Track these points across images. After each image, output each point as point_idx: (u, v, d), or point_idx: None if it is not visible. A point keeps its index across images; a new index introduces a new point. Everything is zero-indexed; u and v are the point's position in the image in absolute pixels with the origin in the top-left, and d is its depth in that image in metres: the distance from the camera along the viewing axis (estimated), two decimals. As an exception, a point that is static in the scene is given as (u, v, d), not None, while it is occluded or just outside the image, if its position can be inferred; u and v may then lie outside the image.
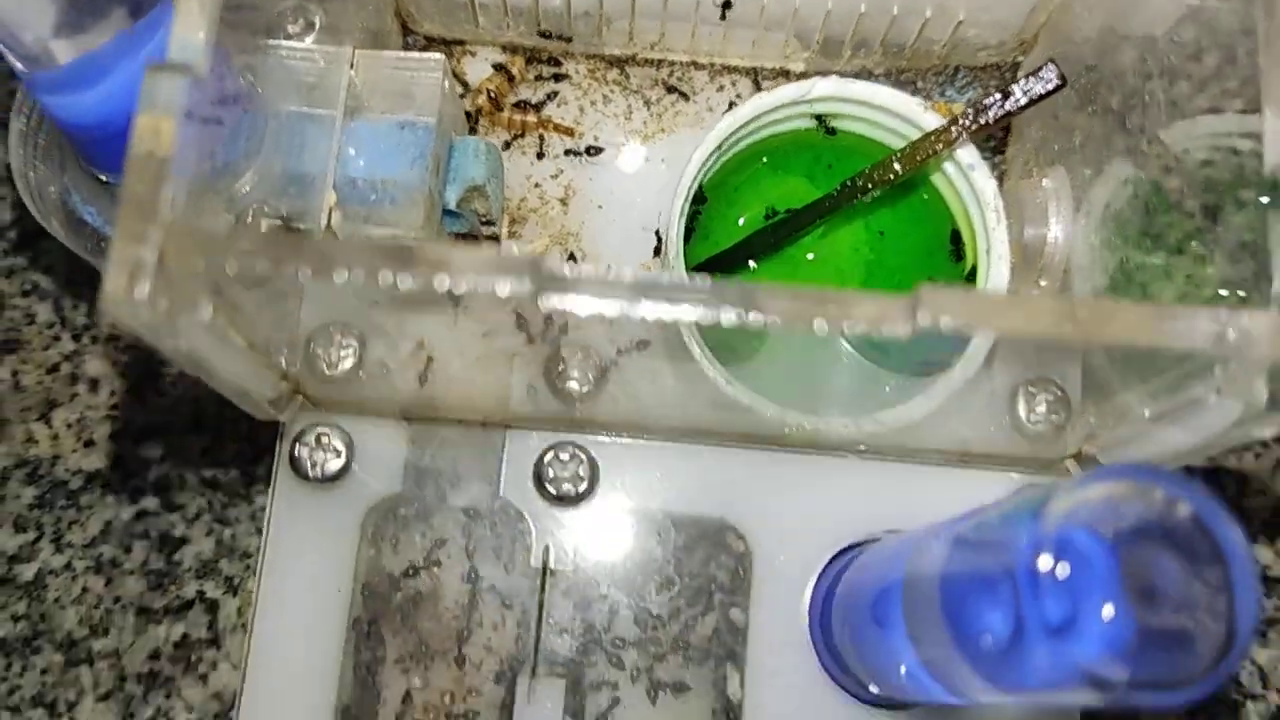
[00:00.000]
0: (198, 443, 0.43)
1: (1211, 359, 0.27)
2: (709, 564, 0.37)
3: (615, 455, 0.36)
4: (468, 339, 0.36)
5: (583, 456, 0.36)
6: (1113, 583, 0.24)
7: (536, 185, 0.42)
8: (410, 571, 0.36)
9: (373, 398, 0.36)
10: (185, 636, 0.42)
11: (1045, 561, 0.24)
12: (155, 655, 0.42)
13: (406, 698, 0.36)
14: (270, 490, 0.35)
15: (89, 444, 0.43)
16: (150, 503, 0.43)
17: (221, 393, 0.31)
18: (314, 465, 0.35)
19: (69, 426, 0.43)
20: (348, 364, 0.35)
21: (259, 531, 0.42)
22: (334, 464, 0.35)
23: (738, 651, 0.36)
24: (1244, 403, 0.26)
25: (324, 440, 0.35)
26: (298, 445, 0.35)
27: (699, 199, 0.38)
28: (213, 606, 0.42)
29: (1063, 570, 0.24)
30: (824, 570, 0.36)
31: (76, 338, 0.44)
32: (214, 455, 0.43)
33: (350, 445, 0.36)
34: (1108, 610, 0.24)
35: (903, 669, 0.31)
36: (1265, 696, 0.43)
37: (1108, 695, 0.25)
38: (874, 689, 0.35)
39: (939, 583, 0.29)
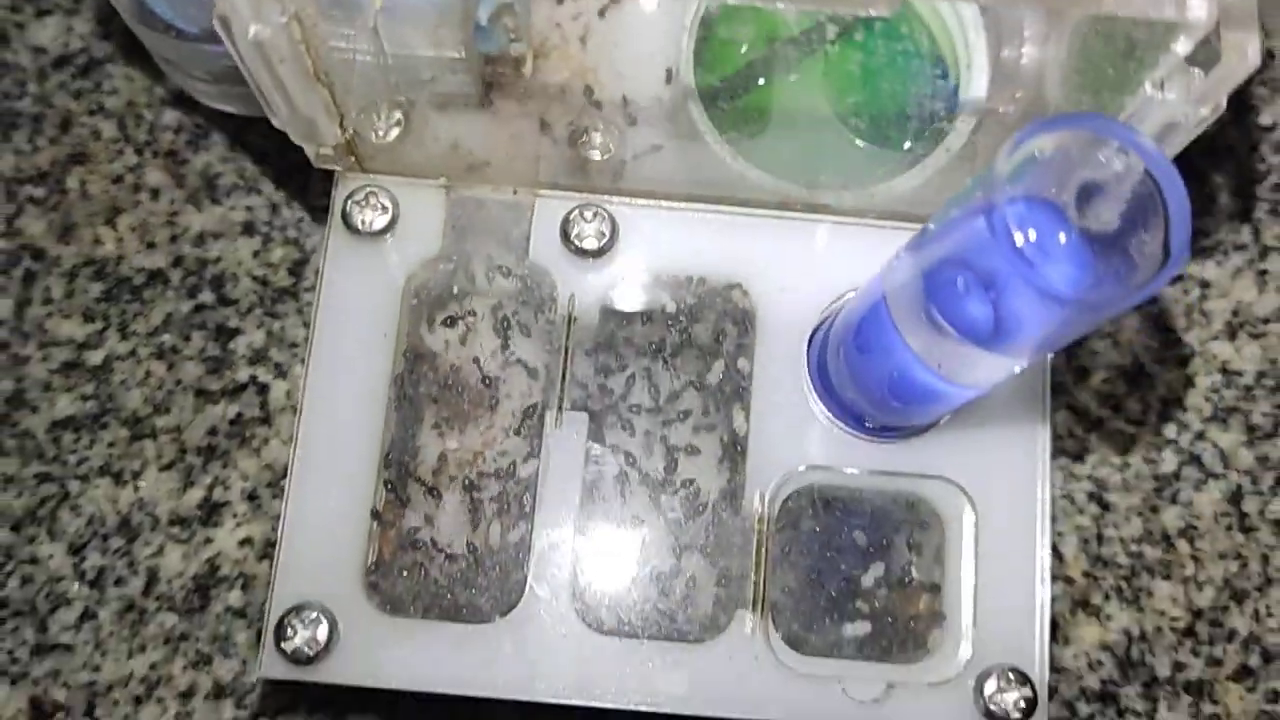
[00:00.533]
0: (248, 245, 0.47)
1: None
2: (717, 318, 0.41)
3: (634, 217, 0.40)
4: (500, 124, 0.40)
5: (605, 215, 0.40)
6: (1065, 211, 0.28)
7: (558, 25, 0.46)
8: (448, 321, 0.40)
9: (417, 162, 0.40)
10: (239, 415, 0.46)
11: (1008, 192, 0.28)
12: (213, 431, 0.45)
13: (442, 456, 0.40)
14: (324, 243, 0.40)
15: (151, 245, 0.47)
16: (207, 297, 0.47)
17: (290, 128, 0.35)
18: (363, 221, 0.39)
19: (132, 230, 0.47)
20: (394, 133, 0.39)
21: (306, 325, 0.46)
22: (381, 220, 0.40)
23: (744, 393, 0.40)
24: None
25: (372, 198, 0.40)
26: (349, 202, 0.40)
27: (705, 26, 0.42)
28: (264, 389, 0.46)
29: (1019, 212, 0.28)
30: (820, 320, 0.40)
31: (139, 152, 0.48)
32: (263, 258, 0.47)
33: (395, 204, 0.40)
34: (1062, 236, 0.29)
35: (894, 374, 0.35)
36: (1226, 476, 0.47)
37: (1071, 312, 0.29)
38: (868, 423, 0.39)
39: (919, 273, 0.33)
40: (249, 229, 0.47)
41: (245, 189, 0.48)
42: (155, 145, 0.48)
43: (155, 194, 0.47)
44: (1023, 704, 0.37)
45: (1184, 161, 0.49)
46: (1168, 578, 0.46)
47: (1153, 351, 0.48)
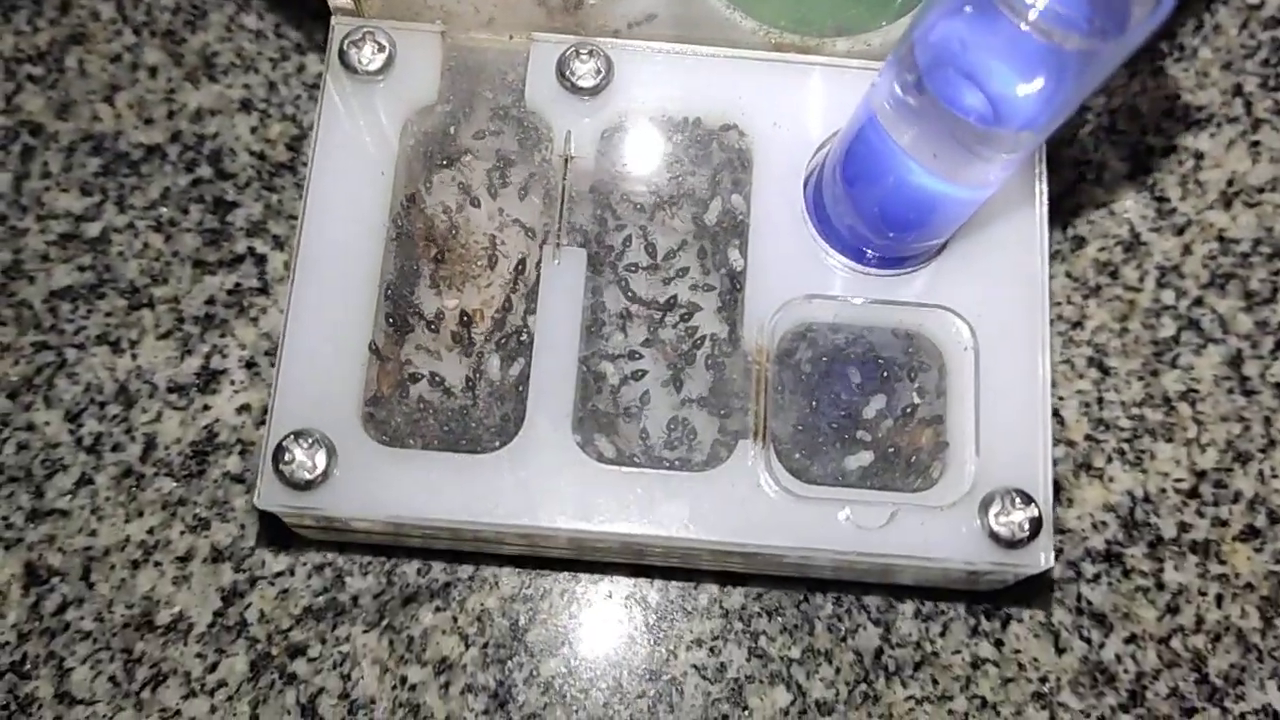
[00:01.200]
0: (246, 122, 0.47)
1: None
2: (713, 158, 0.41)
3: (630, 58, 0.41)
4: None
5: (601, 54, 0.40)
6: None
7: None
8: (444, 162, 0.41)
9: (414, 6, 0.40)
10: (238, 285, 0.46)
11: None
12: (210, 301, 0.45)
13: (439, 272, 0.40)
14: (322, 84, 0.40)
15: (149, 121, 0.47)
16: (205, 172, 0.47)
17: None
18: (360, 60, 0.40)
19: (130, 107, 0.47)
20: (392, -25, 0.40)
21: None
22: (378, 60, 0.40)
23: (741, 230, 0.40)
24: None
25: (369, 39, 0.40)
26: (346, 42, 0.40)
27: None
28: (261, 260, 0.46)
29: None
30: (815, 155, 0.40)
31: (136, 32, 0.48)
32: (261, 134, 0.47)
33: (393, 46, 0.40)
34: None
35: (891, 186, 0.35)
36: (1225, 341, 0.47)
37: (1061, 64, 0.29)
38: (868, 255, 0.39)
39: (909, 73, 0.33)
40: (246, 106, 0.47)
41: (243, 68, 0.48)
42: (153, 25, 0.48)
43: (153, 72, 0.48)
44: (1027, 525, 0.37)
45: (1173, 39, 0.50)
46: (1170, 440, 0.45)
47: (1149, 221, 0.48)
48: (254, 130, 0.47)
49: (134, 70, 0.48)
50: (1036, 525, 0.37)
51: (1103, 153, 0.48)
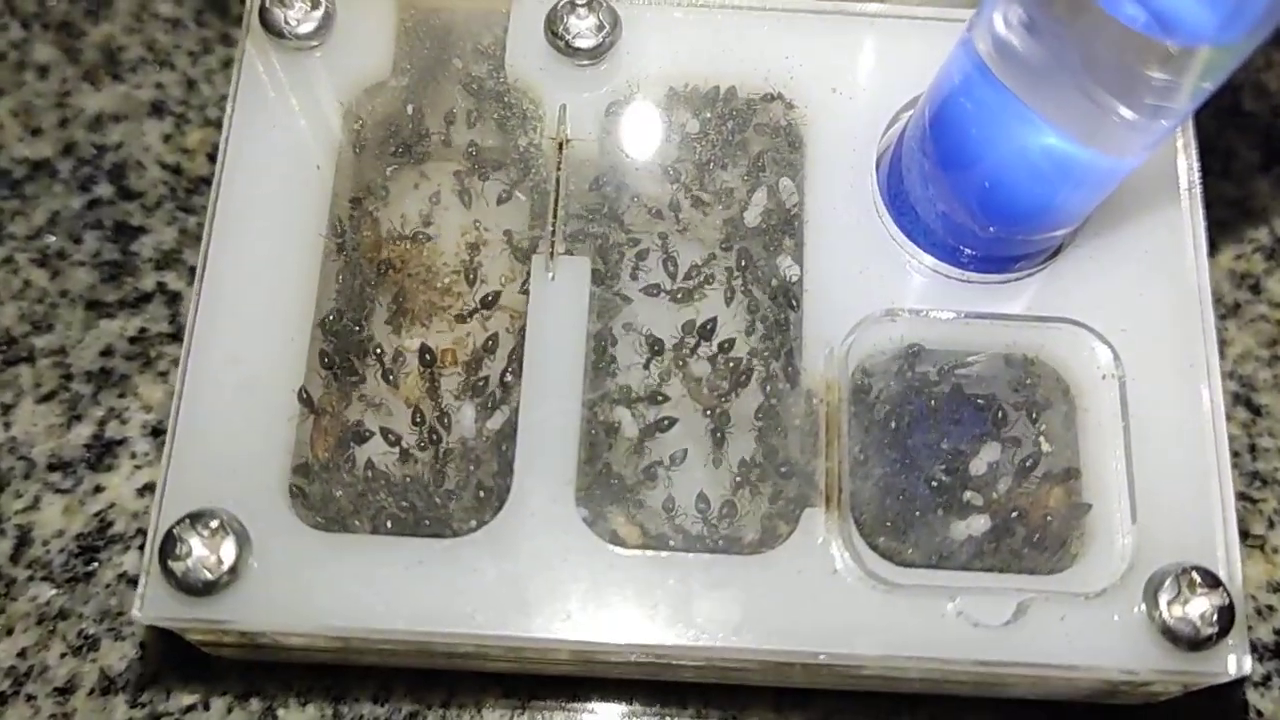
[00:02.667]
0: (157, 129, 0.38)
1: None
2: (753, 138, 0.31)
3: (641, 11, 0.31)
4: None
5: (604, 5, 0.31)
6: None
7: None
8: (399, 151, 0.31)
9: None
10: (143, 331, 0.36)
11: None
12: (107, 352, 0.36)
13: (398, 303, 0.30)
14: (238, 54, 0.30)
15: (35, 132, 0.38)
16: (104, 190, 0.37)
17: None
18: (288, 21, 0.30)
19: (14, 115, 0.38)
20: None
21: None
22: (310, 21, 0.31)
23: (793, 229, 0.30)
24: None
25: (301, -10, 0.30)
26: (269, -2, 0.30)
27: None
28: (174, 299, 0.36)
29: None
30: (889, 127, 0.31)
31: (25, 25, 0.39)
32: (176, 142, 0.38)
33: (332, 5, 0.31)
34: None
35: (1006, 142, 0.26)
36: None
37: None
38: (966, 252, 0.29)
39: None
40: (158, 109, 0.38)
41: (155, 63, 0.39)
42: (45, 17, 0.39)
43: (43, 72, 0.38)
44: (1215, 616, 0.26)
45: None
46: (1345, 497, 0.35)
47: (1292, 221, 0.38)
48: (167, 138, 0.38)
49: (20, 70, 0.38)
50: (1227, 616, 0.26)
51: (1228, 139, 0.39)
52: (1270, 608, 0.34)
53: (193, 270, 0.36)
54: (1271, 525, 0.35)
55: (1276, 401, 0.36)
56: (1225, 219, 0.38)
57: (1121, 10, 0.23)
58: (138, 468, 0.35)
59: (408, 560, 0.27)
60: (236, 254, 0.29)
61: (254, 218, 0.29)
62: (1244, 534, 0.35)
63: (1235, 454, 0.36)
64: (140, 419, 0.35)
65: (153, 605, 0.26)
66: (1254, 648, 0.34)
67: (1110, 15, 0.22)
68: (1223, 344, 0.37)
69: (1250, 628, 0.34)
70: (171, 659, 0.33)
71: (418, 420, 0.29)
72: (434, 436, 0.29)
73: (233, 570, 0.26)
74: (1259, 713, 0.33)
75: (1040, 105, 0.25)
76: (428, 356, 0.30)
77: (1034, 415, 0.30)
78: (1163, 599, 0.27)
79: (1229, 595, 0.27)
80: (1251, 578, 0.35)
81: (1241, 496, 0.35)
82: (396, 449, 0.29)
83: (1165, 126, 0.25)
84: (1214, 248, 0.38)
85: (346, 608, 0.27)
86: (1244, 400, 0.36)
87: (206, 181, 0.37)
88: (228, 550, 0.26)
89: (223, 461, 0.28)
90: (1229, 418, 0.36)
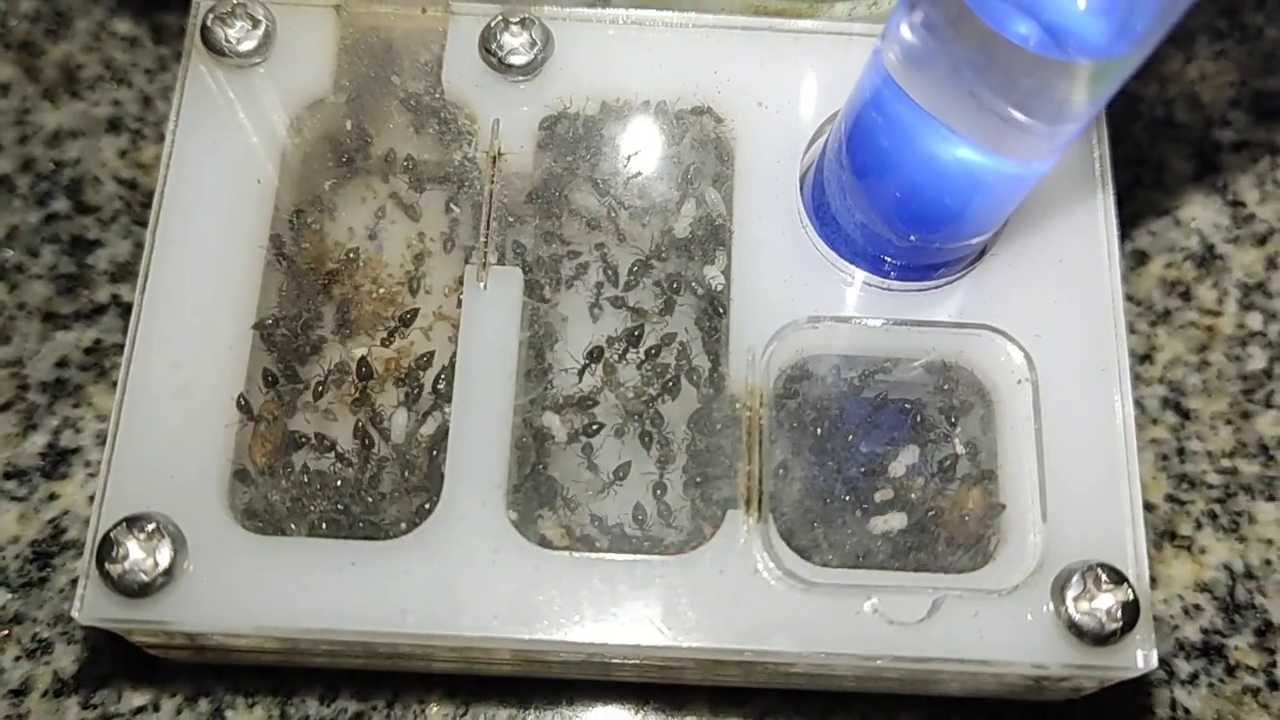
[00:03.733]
0: (114, 144, 0.39)
1: None
2: (684, 150, 0.32)
3: (573, 28, 0.32)
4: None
5: (535, 23, 0.32)
6: None
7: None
8: (340, 164, 0.32)
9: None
10: (98, 343, 0.37)
11: None
12: (62, 363, 0.36)
13: (342, 316, 0.31)
14: (180, 71, 0.31)
15: (-5, 149, 0.39)
16: (61, 205, 0.38)
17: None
18: (229, 39, 0.31)
19: (-27, 132, 0.39)
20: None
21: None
22: (251, 39, 0.31)
23: (722, 238, 0.31)
24: None
25: (240, 11, 0.31)
26: (210, 17, 0.31)
27: None
28: (128, 311, 0.37)
29: None
30: (812, 142, 0.32)
31: (-15, 45, 0.40)
32: (132, 158, 0.39)
33: (271, 21, 0.32)
34: None
35: (913, 156, 0.27)
36: None
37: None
38: (887, 261, 0.30)
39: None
40: (115, 126, 0.39)
41: (112, 80, 0.39)
42: (6, 36, 0.40)
43: (3, 90, 0.39)
44: (1119, 612, 0.27)
45: (1233, 18, 0.41)
46: (1271, 498, 0.36)
47: (1223, 230, 0.39)
48: (123, 154, 0.39)
49: (-21, 89, 0.39)
50: (1131, 612, 0.27)
51: (1161, 150, 0.40)
52: (1197, 607, 0.35)
53: (147, 282, 0.37)
54: (1199, 526, 0.36)
55: (1205, 405, 0.37)
56: (1157, 228, 0.39)
57: (1012, 30, 0.23)
58: (91, 475, 0.35)
59: (340, 562, 0.28)
60: (178, 264, 0.30)
61: (196, 229, 0.30)
62: (1171, 535, 0.36)
63: (1164, 457, 0.37)
64: (94, 428, 0.36)
65: (91, 607, 0.27)
66: (1180, 646, 0.35)
67: (1001, 35, 0.23)
68: (1153, 350, 0.38)
69: (1176, 626, 0.35)
70: (122, 662, 0.33)
71: (356, 428, 0.30)
72: (367, 442, 0.30)
73: (168, 573, 0.27)
74: (1186, 710, 0.34)
75: (945, 116, 0.26)
76: (364, 370, 0.30)
77: (953, 419, 0.30)
78: (1069, 595, 0.27)
79: (1134, 592, 0.27)
80: (1179, 578, 0.36)
81: (1170, 499, 0.36)
82: (331, 454, 0.30)
83: (1069, 132, 0.26)
84: (1145, 256, 0.39)
85: (280, 608, 0.27)
86: (1173, 404, 0.37)
87: (161, 195, 0.38)
88: (163, 553, 0.27)
89: (161, 466, 0.28)
90: (1158, 422, 0.37)
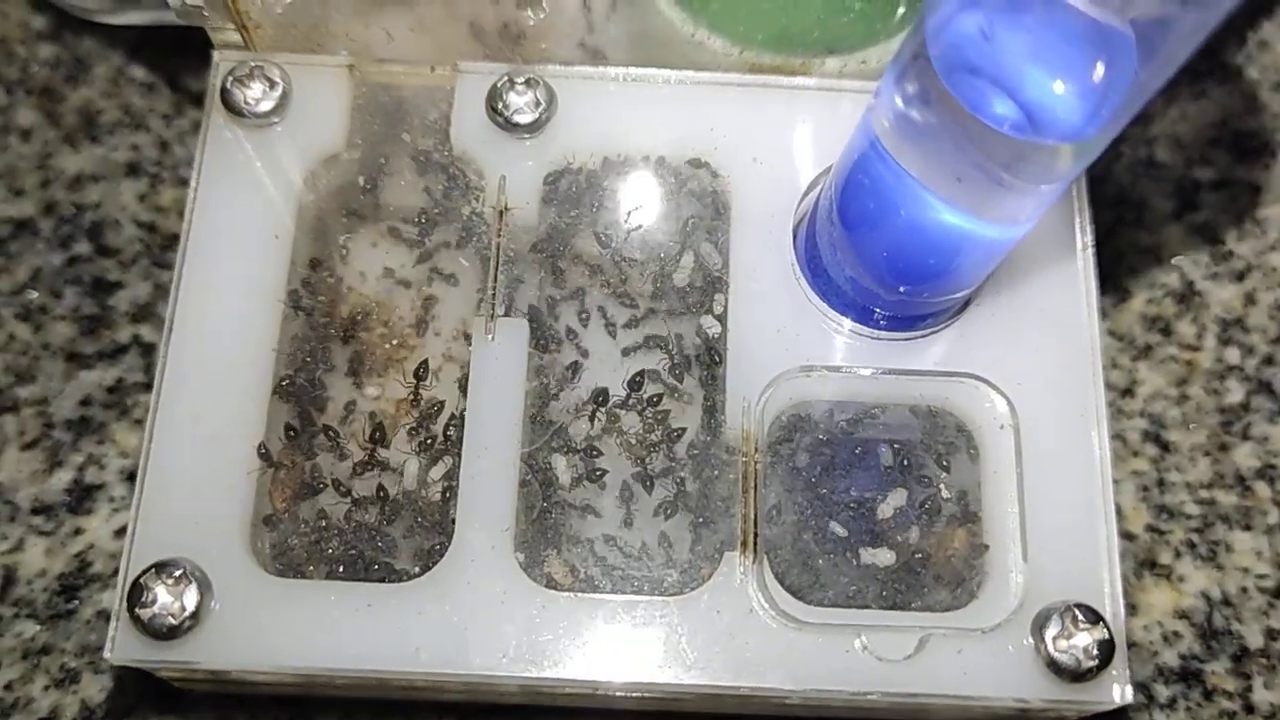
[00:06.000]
0: (133, 188, 0.40)
1: None
2: (682, 203, 0.33)
3: (576, 87, 0.34)
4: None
5: (540, 83, 0.33)
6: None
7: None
8: (356, 221, 0.33)
9: (314, 36, 0.33)
10: (120, 381, 0.38)
11: None
12: (86, 401, 0.38)
13: (357, 363, 0.33)
14: (202, 131, 0.33)
15: (18, 192, 0.40)
16: (83, 248, 0.39)
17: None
18: (248, 100, 0.32)
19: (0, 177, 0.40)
20: (286, -1, 0.33)
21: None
22: (269, 100, 0.33)
23: (718, 289, 0.33)
24: None
25: (258, 74, 0.33)
26: (230, 79, 0.33)
27: None
28: (148, 350, 0.38)
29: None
30: (805, 196, 0.33)
31: (9, 91, 0.41)
32: (151, 201, 0.40)
33: (288, 83, 0.33)
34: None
35: (900, 218, 0.28)
36: None
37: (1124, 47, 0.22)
38: (877, 314, 0.31)
39: (921, 67, 0.26)
40: (134, 170, 0.40)
41: (130, 126, 0.41)
42: (28, 82, 0.41)
43: (25, 135, 0.41)
44: (1095, 650, 0.29)
45: (1215, 58, 0.42)
46: (1248, 528, 0.38)
47: (1202, 267, 0.40)
48: (142, 198, 0.40)
49: (4, 134, 0.41)
50: (1107, 650, 0.29)
51: (1142, 189, 0.41)
52: (1176, 634, 0.37)
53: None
54: (1178, 555, 0.37)
55: (1184, 438, 0.39)
56: (1138, 265, 0.40)
57: (989, 110, 0.25)
58: (115, 510, 0.37)
59: (357, 604, 0.29)
60: (200, 318, 0.31)
61: (217, 283, 0.32)
62: (1151, 564, 0.37)
63: (1144, 488, 0.38)
64: (118, 465, 0.37)
65: (122, 649, 0.29)
66: (1160, 671, 0.36)
67: (978, 118, 0.24)
68: (1134, 384, 0.39)
69: (1156, 653, 0.37)
70: (146, 692, 0.35)
71: (368, 472, 0.32)
72: (381, 490, 0.31)
73: (194, 616, 0.29)
74: (1165, 733, 0.36)
75: (930, 182, 0.27)
76: (378, 435, 0.32)
77: (939, 463, 0.32)
78: (1049, 634, 0.29)
79: (1109, 630, 0.29)
80: (1158, 605, 0.37)
81: (1150, 528, 0.38)
82: (346, 500, 0.31)
83: (1049, 195, 0.28)
84: (1127, 293, 0.40)
85: (301, 648, 0.29)
86: (1153, 437, 0.39)
87: (179, 238, 0.40)
88: (190, 597, 0.29)
89: (187, 513, 0.30)
90: (1139, 454, 0.38)
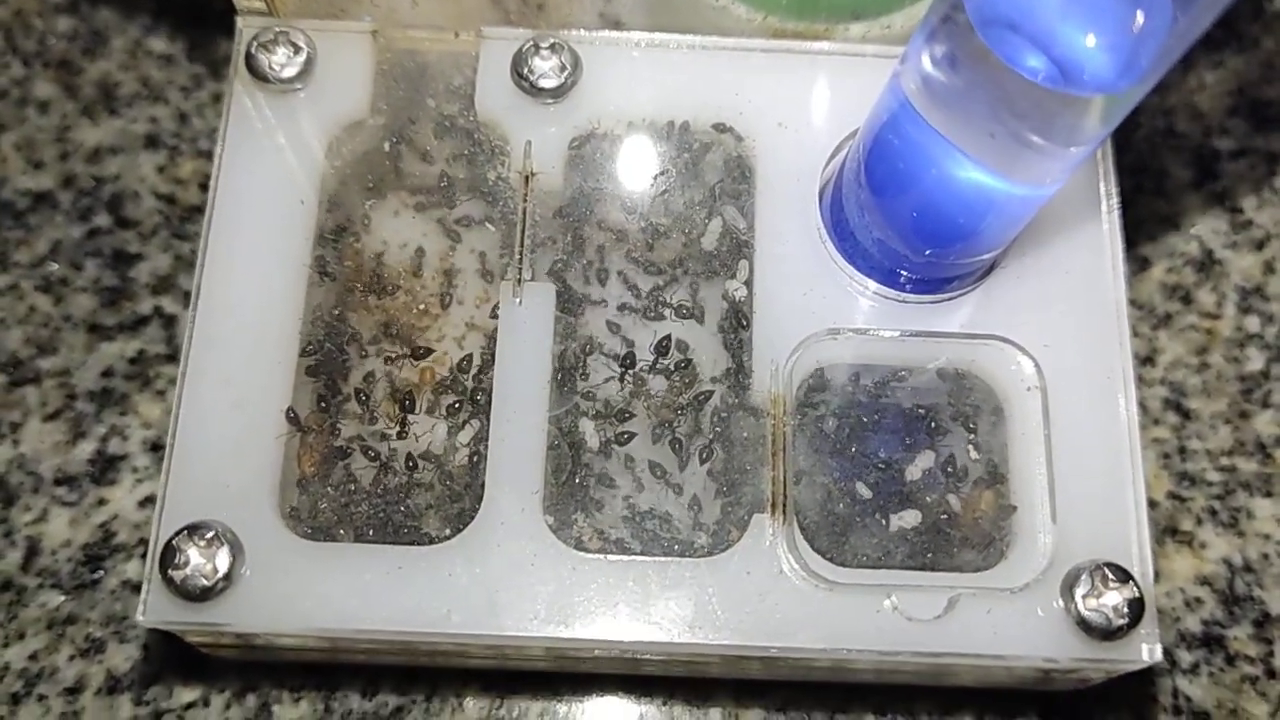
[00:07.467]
0: (152, 160, 0.40)
1: None
2: (707, 168, 0.33)
3: (599, 53, 0.34)
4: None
5: (565, 48, 0.33)
6: None
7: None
8: (381, 186, 0.33)
9: (338, 1, 0.33)
10: (141, 353, 0.38)
11: None
12: (108, 373, 0.38)
13: (381, 325, 0.33)
14: (226, 96, 0.33)
15: (37, 165, 0.40)
16: (103, 220, 0.39)
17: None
18: (272, 66, 0.32)
19: (17, 148, 0.40)
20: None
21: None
22: (293, 65, 0.33)
23: (745, 252, 0.33)
24: None
25: (283, 39, 0.33)
26: (255, 44, 0.33)
27: None
28: (170, 322, 0.38)
29: None
30: (830, 159, 0.33)
31: (26, 63, 0.41)
32: (170, 173, 0.40)
33: (312, 48, 0.33)
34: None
35: (929, 178, 0.28)
36: None
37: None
38: (903, 276, 0.32)
39: (953, 25, 0.26)
40: (153, 142, 0.40)
41: (149, 98, 0.41)
42: (46, 55, 0.41)
43: (44, 107, 0.41)
44: (1125, 608, 0.29)
45: (1230, 27, 0.42)
46: (1269, 494, 0.38)
47: (1222, 236, 0.40)
48: (161, 170, 0.40)
49: (22, 106, 0.40)
50: (1137, 608, 0.29)
51: (1161, 159, 0.41)
52: (1198, 600, 0.37)
53: (187, 295, 0.38)
54: (1199, 522, 0.38)
55: (1205, 406, 0.39)
56: (1158, 234, 0.41)
57: (1023, 64, 0.25)
58: (139, 481, 0.37)
59: (388, 566, 0.29)
60: (227, 284, 0.31)
61: (243, 250, 0.32)
62: (1173, 531, 0.38)
63: (1165, 455, 0.38)
64: (140, 435, 0.37)
65: (154, 610, 0.29)
66: (1182, 637, 0.36)
67: (1013, 69, 0.25)
68: (1155, 352, 0.39)
69: (1179, 619, 0.37)
70: (172, 660, 0.35)
71: (399, 436, 0.32)
72: (410, 455, 0.31)
73: (227, 577, 0.29)
74: (1188, 698, 0.36)
75: (961, 141, 0.27)
76: (407, 403, 0.32)
77: (966, 425, 0.32)
78: (1078, 593, 0.29)
79: (1139, 589, 0.29)
80: (1180, 572, 0.37)
81: (1172, 496, 0.38)
82: (375, 464, 0.31)
83: (1079, 155, 0.28)
84: (1147, 262, 0.40)
85: (332, 611, 0.29)
86: (1174, 405, 0.39)
87: (199, 210, 0.40)
88: (222, 559, 0.29)
89: (217, 477, 0.30)
90: (1160, 422, 0.39)
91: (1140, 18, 0.23)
